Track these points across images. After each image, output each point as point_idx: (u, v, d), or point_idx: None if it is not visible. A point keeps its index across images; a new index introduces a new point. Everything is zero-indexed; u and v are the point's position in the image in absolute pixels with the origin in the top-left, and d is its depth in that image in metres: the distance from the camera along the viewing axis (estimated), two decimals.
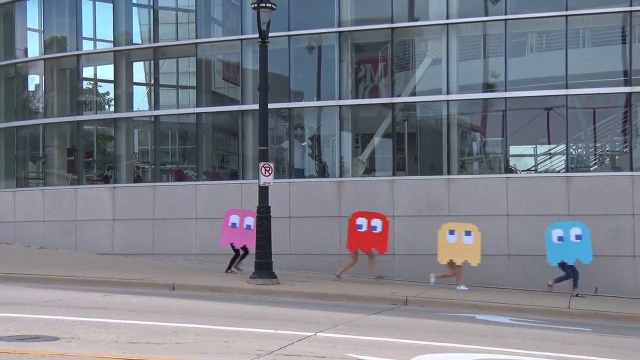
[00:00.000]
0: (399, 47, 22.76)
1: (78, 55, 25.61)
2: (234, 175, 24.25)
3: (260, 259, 18.35)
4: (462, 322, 13.77)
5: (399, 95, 22.46)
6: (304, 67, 23.63)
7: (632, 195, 20.10)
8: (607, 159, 22.56)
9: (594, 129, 22.10)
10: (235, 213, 20.19)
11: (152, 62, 25.24)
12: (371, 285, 19.15)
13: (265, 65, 18.67)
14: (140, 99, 26.81)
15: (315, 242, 22.00)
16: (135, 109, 26.13)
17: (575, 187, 20.54)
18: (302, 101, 23.70)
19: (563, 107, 21.04)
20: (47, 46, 26.33)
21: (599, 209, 20.19)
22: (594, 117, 22.18)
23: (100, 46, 25.91)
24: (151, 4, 25.16)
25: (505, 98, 21.28)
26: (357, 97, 23.21)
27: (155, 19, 25.01)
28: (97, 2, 26.11)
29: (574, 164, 21.73)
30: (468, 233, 18.82)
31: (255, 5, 18.63)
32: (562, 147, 21.63)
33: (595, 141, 22.51)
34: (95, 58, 26.35)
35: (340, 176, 22.41)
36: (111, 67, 25.38)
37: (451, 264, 18.95)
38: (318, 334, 10.75)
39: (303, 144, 24.26)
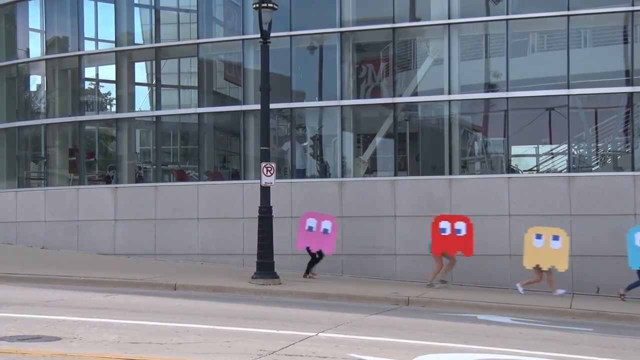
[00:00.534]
0: (401, 47, 22.75)
1: (80, 56, 25.62)
2: (235, 176, 24.25)
3: (262, 259, 18.36)
4: (463, 322, 13.76)
5: (400, 95, 22.45)
6: (305, 67, 23.63)
7: (633, 195, 20.08)
8: (609, 159, 22.55)
9: (596, 128, 22.09)
10: (312, 216, 19.91)
11: (154, 62, 25.25)
12: (372, 285, 19.15)
13: (267, 65, 18.68)
14: (142, 99, 26.84)
15: None
16: (137, 109, 26.15)
17: (577, 187, 20.53)
18: (303, 101, 23.70)
19: (565, 107, 21.03)
20: (49, 46, 26.35)
21: (600, 209, 20.17)
22: (595, 117, 22.17)
23: (102, 46, 25.93)
24: (153, 4, 25.17)
25: (507, 98, 21.26)
26: (358, 97, 23.20)
27: (157, 19, 25.02)
28: (98, 3, 26.12)
29: (575, 164, 21.72)
30: (556, 237, 18.25)
31: (257, 5, 18.64)
32: (564, 147, 21.62)
33: (597, 141, 22.51)
34: (97, 58, 26.37)
35: (342, 176, 22.41)
36: (113, 67, 25.38)
37: (537, 269, 18.44)
38: (320, 334, 10.75)
39: (304, 144, 24.26)
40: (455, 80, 21.84)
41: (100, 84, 27.63)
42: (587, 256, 19.91)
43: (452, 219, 19.19)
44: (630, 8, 20.64)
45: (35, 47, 27.00)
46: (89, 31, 25.78)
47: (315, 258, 19.95)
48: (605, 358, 10.56)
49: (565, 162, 21.48)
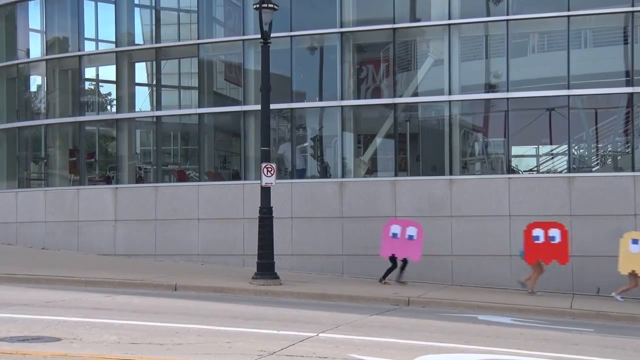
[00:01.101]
0: (401, 48, 22.75)
1: (80, 56, 25.61)
2: (236, 176, 24.26)
3: (262, 260, 18.37)
4: (464, 323, 13.77)
5: (401, 96, 22.45)
6: (305, 67, 23.63)
7: (634, 195, 20.08)
8: (609, 160, 22.55)
9: (596, 129, 22.09)
10: (396, 223, 19.52)
11: (154, 62, 25.24)
12: (373, 285, 19.14)
13: (267, 65, 18.68)
14: (142, 100, 26.84)
15: (317, 243, 22.00)
16: (137, 109, 26.14)
17: (577, 188, 20.53)
18: (304, 102, 23.70)
19: (565, 108, 21.03)
20: (49, 47, 26.35)
21: (600, 209, 20.17)
22: (596, 118, 22.17)
23: (102, 47, 25.91)
24: (153, 4, 25.16)
25: (507, 98, 21.26)
26: (359, 98, 23.20)
27: (157, 20, 25.01)
28: (99, 3, 26.12)
29: (575, 165, 21.73)
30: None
31: (258, 5, 18.65)
32: (564, 147, 21.63)
33: (597, 141, 22.51)
34: (97, 59, 26.37)
35: (342, 177, 22.41)
36: (113, 67, 25.38)
37: (633, 274, 18.11)
38: (320, 334, 10.75)
39: (305, 144, 24.26)
40: (456, 81, 21.84)
41: (101, 84, 27.64)
42: (587, 256, 19.91)
43: (545, 226, 18.63)
44: (631, 9, 20.63)
45: (36, 48, 27.00)
46: (89, 31, 25.77)
47: (397, 265, 19.38)
48: (606, 358, 10.57)
49: (565, 162, 21.48)
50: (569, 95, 20.83)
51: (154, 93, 25.53)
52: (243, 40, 23.43)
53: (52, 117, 26.22)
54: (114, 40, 25.35)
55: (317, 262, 21.93)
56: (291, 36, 22.72)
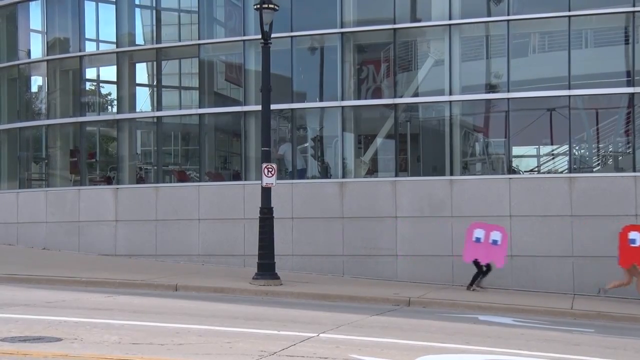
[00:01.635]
0: (402, 48, 22.75)
1: (81, 57, 25.60)
2: (236, 176, 24.25)
3: (262, 260, 18.38)
4: (465, 323, 13.77)
5: (401, 96, 22.44)
6: (306, 68, 23.62)
7: (635, 196, 20.07)
8: (610, 160, 22.54)
9: (597, 129, 22.08)
10: (479, 227, 18.95)
11: (155, 63, 25.24)
12: (373, 286, 19.15)
13: (268, 66, 18.68)
14: (143, 100, 26.85)
15: (318, 243, 21.99)
16: (137, 110, 26.14)
17: (578, 188, 20.52)
18: (304, 102, 23.70)
19: (566, 108, 21.02)
20: (50, 47, 26.36)
21: (601, 209, 20.15)
22: (596, 118, 22.15)
23: (103, 47, 25.92)
24: (154, 5, 25.16)
25: (508, 99, 21.25)
26: (359, 98, 23.19)
27: (158, 20, 25.01)
28: (99, 4, 26.13)
29: (576, 165, 21.72)
30: None
31: (258, 6, 18.65)
32: (565, 147, 21.62)
33: (598, 142, 22.49)
34: (98, 59, 26.37)
35: (343, 177, 22.40)
36: (114, 68, 25.38)
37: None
38: (321, 334, 10.75)
39: (305, 145, 24.25)
40: (456, 81, 21.83)
41: (101, 84, 27.62)
42: (588, 257, 19.93)
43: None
44: (632, 9, 20.61)
45: (37, 48, 27.01)
46: (90, 32, 25.77)
47: (482, 270, 19.03)
48: (607, 359, 10.57)
49: (566, 162, 21.47)
50: (569, 96, 20.83)
51: (155, 93, 25.52)
52: (244, 40, 23.43)
53: (53, 118, 26.22)
54: (115, 40, 25.34)
55: (317, 263, 21.92)
56: (292, 36, 22.72)
